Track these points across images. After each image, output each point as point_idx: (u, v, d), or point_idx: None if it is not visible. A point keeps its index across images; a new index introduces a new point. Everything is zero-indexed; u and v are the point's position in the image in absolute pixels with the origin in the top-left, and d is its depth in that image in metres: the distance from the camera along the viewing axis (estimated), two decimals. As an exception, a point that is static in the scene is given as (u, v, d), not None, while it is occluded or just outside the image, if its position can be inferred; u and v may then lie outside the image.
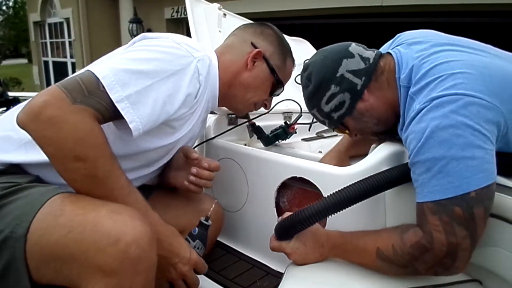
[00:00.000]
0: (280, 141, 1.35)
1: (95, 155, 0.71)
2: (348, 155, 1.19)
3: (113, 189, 0.74)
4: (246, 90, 1.07)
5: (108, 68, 0.77)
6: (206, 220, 0.93)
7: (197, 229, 0.92)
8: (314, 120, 1.05)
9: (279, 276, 1.00)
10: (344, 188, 0.80)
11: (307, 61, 0.98)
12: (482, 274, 0.83)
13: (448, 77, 0.76)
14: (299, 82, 1.69)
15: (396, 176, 0.81)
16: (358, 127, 0.96)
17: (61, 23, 9.86)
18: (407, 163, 0.83)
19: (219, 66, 1.03)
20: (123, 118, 0.76)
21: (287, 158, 1.06)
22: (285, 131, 1.32)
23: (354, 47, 0.93)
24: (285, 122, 1.33)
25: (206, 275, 1.05)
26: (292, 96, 1.43)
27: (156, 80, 0.82)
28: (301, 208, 0.83)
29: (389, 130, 0.95)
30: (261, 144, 1.35)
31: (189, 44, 0.92)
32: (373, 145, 1.00)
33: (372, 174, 0.85)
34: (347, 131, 0.99)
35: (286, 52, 1.13)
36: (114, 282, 0.63)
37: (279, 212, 1.08)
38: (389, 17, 4.89)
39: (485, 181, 0.71)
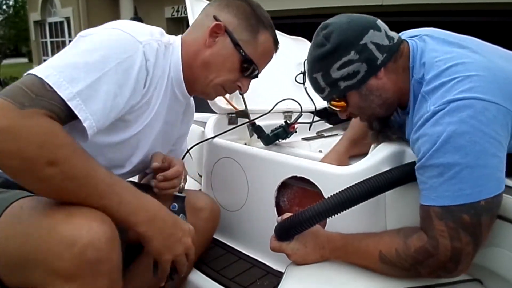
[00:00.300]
0: (280, 140, 1.35)
1: (66, 154, 0.65)
2: (348, 155, 1.19)
3: (96, 184, 0.68)
4: (207, 69, 0.93)
5: (49, 67, 0.70)
6: (180, 192, 0.94)
7: (176, 205, 0.92)
8: (315, 119, 1.05)
9: (279, 275, 1.00)
10: (345, 189, 0.80)
11: (327, 21, 0.89)
12: (483, 274, 0.83)
13: (464, 79, 0.74)
14: (300, 81, 1.70)
15: (397, 177, 0.81)
16: (361, 105, 0.89)
17: (61, 22, 9.86)
18: (408, 163, 0.83)
19: (182, 48, 0.94)
20: (77, 117, 0.70)
21: (287, 158, 1.06)
22: (285, 131, 1.32)
23: (380, 22, 0.88)
24: (285, 122, 1.33)
25: (206, 274, 1.05)
26: (292, 95, 1.43)
27: (105, 71, 0.74)
28: (302, 209, 0.83)
29: (383, 119, 0.93)
30: (261, 144, 1.35)
31: (134, 29, 0.83)
32: (373, 145, 1.00)
33: (372, 173, 0.85)
34: (341, 108, 0.91)
35: (258, 25, 0.96)
36: (75, 287, 0.62)
37: (279, 211, 1.08)
38: (389, 16, 4.88)
39: (495, 190, 0.71)
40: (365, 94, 0.86)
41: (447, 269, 0.75)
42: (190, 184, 1.27)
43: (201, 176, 1.34)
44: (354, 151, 1.20)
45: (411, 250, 0.76)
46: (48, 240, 0.63)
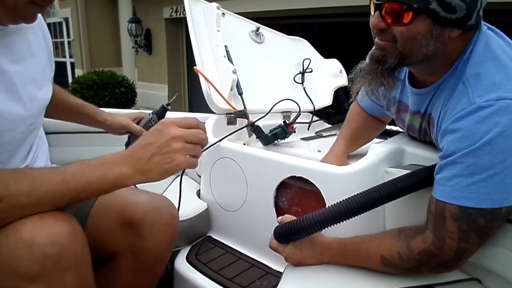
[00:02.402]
0: (279, 140, 1.35)
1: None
2: (346, 155, 1.19)
3: (39, 194, 0.63)
4: None
5: None
6: (167, 105, 1.16)
7: (157, 108, 1.13)
8: (313, 119, 1.04)
9: (278, 275, 1.00)
10: (347, 199, 0.78)
11: None
12: (482, 273, 0.83)
13: None
14: (298, 81, 1.70)
15: (400, 188, 0.78)
16: (418, 38, 0.73)
17: (60, 23, 9.84)
18: (411, 174, 0.79)
19: None
20: None
21: (286, 158, 1.06)
22: (284, 130, 1.32)
23: None
24: (284, 121, 1.33)
25: (205, 274, 1.05)
26: (291, 95, 1.43)
27: None
28: (301, 217, 0.82)
29: (395, 69, 0.80)
30: (260, 144, 1.35)
31: None
32: (373, 145, 1.00)
33: (371, 173, 0.85)
34: (395, 16, 0.72)
35: None
36: (42, 286, 0.62)
37: (278, 211, 1.08)
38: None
39: None
40: (432, 34, 0.72)
41: (447, 266, 0.74)
42: (190, 185, 1.27)
43: (200, 176, 1.34)
44: (352, 149, 1.19)
45: (414, 252, 0.74)
46: (7, 244, 0.62)
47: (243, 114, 1.34)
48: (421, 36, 0.73)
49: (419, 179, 0.78)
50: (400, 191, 0.78)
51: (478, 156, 0.67)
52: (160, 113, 1.19)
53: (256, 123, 1.32)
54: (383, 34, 0.76)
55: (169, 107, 1.19)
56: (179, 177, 1.07)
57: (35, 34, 0.86)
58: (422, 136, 0.92)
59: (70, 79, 8.52)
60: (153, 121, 1.18)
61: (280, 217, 0.91)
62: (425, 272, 0.77)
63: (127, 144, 1.19)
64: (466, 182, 0.68)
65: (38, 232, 0.62)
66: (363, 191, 0.78)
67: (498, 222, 0.70)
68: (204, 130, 0.70)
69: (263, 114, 1.32)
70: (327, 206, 0.80)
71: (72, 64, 9.56)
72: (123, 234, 0.86)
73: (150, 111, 1.22)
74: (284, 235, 0.86)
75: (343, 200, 0.78)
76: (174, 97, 1.28)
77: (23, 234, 0.62)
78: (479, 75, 0.71)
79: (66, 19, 9.29)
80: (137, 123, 1.20)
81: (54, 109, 1.01)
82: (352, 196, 0.78)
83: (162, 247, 0.89)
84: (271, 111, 1.33)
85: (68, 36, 9.41)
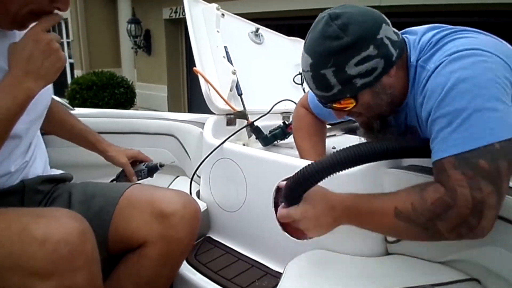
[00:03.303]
0: (278, 141, 1.35)
1: None
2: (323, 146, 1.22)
3: None
4: (2, 1, 0.74)
5: None
6: (161, 166, 1.19)
7: (152, 164, 1.19)
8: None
9: (278, 276, 1.00)
10: (354, 145, 0.73)
11: (332, 10, 0.81)
12: (481, 273, 0.83)
13: (463, 39, 0.75)
14: (298, 82, 1.70)
15: (411, 146, 0.77)
16: (371, 104, 0.83)
17: (59, 24, 9.84)
18: (421, 139, 0.79)
19: None
20: None
21: (285, 158, 1.06)
22: (284, 131, 1.32)
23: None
24: (284, 122, 1.33)
25: (205, 275, 1.05)
26: (290, 96, 1.43)
27: None
28: (307, 164, 0.75)
29: (384, 118, 0.90)
30: (259, 144, 1.36)
31: None
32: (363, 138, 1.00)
33: (370, 173, 0.84)
34: (347, 107, 0.84)
35: None
36: (54, 284, 0.63)
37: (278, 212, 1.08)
38: (388, 17, 4.89)
39: (509, 133, 0.67)
40: (378, 92, 0.81)
41: (468, 225, 0.68)
42: (188, 184, 1.27)
43: (199, 177, 1.34)
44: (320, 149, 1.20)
45: (428, 203, 0.70)
46: (20, 242, 0.63)
47: (242, 114, 1.34)
48: (373, 101, 0.83)
49: (426, 145, 0.76)
50: (411, 149, 0.77)
51: (447, 105, 0.70)
52: (152, 169, 1.21)
53: (255, 124, 1.32)
54: (351, 117, 0.90)
55: (162, 168, 1.20)
56: (179, 178, 1.07)
57: None
58: None
59: (69, 80, 8.50)
60: (143, 173, 1.20)
61: (283, 181, 0.83)
62: (445, 232, 0.70)
63: (117, 177, 1.22)
64: (448, 132, 0.69)
65: (53, 231, 0.64)
66: (372, 142, 0.75)
67: (502, 162, 0.66)
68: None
69: (262, 114, 1.32)
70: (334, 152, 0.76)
71: (72, 65, 9.56)
72: (154, 225, 0.91)
73: (143, 164, 1.22)
74: (294, 187, 0.77)
75: (353, 145, 0.73)
76: (171, 162, 1.37)
77: (37, 233, 0.63)
78: (430, 57, 0.78)
79: (66, 20, 9.28)
80: (132, 162, 1.22)
81: (61, 129, 1.18)
82: (363, 143, 0.74)
83: (188, 237, 0.95)
84: (271, 112, 1.33)
85: (68, 36, 9.40)
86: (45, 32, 0.76)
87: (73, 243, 0.64)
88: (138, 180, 1.18)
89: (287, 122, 1.32)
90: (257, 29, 1.73)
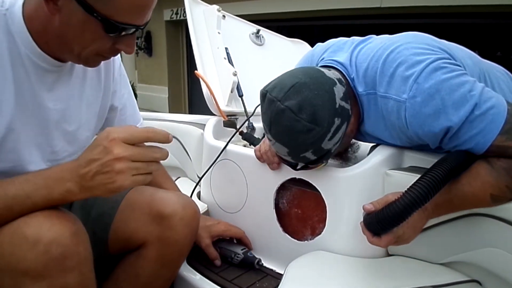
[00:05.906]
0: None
1: None
2: None
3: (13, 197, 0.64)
4: (67, 44, 0.72)
5: None
6: (258, 264, 1.07)
7: (251, 256, 1.07)
8: None
9: (278, 277, 1.00)
10: (434, 174, 0.72)
11: (287, 100, 0.79)
12: (481, 275, 0.84)
13: (408, 57, 0.78)
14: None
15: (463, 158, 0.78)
16: (340, 149, 0.96)
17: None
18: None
19: (25, 20, 0.72)
20: None
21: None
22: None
23: (324, 70, 0.86)
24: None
25: (206, 276, 1.05)
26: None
27: None
28: (398, 198, 0.72)
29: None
30: (260, 145, 1.35)
31: None
32: (372, 145, 1.01)
33: (370, 175, 0.84)
34: (319, 166, 0.92)
35: None
36: (45, 285, 0.62)
37: (279, 213, 1.08)
38: (388, 18, 4.90)
39: (497, 95, 0.76)
40: (343, 141, 0.88)
41: None
42: (190, 186, 1.27)
43: (200, 178, 1.34)
44: None
45: None
46: (11, 243, 0.62)
47: (232, 123, 1.31)
48: (340, 148, 0.89)
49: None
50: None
51: (453, 115, 0.73)
52: (247, 263, 1.09)
53: (250, 127, 1.32)
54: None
55: (259, 266, 1.08)
56: (180, 179, 1.07)
57: (94, 81, 0.90)
58: None
59: (70, 81, 8.50)
60: (237, 258, 1.10)
61: (369, 205, 0.78)
62: None
63: None
64: (476, 129, 0.73)
65: (44, 232, 0.63)
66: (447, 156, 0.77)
67: None
68: (165, 140, 0.66)
69: (245, 120, 1.29)
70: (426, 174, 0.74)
71: (73, 66, 9.57)
72: (153, 226, 0.90)
73: (242, 248, 1.11)
74: (388, 226, 0.73)
75: (432, 175, 0.72)
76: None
77: (28, 233, 0.62)
78: (388, 82, 0.81)
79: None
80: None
81: None
82: (435, 168, 0.74)
83: (187, 239, 0.94)
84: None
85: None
86: (126, 145, 0.64)
87: (65, 244, 0.63)
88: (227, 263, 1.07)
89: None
90: (258, 31, 1.73)
